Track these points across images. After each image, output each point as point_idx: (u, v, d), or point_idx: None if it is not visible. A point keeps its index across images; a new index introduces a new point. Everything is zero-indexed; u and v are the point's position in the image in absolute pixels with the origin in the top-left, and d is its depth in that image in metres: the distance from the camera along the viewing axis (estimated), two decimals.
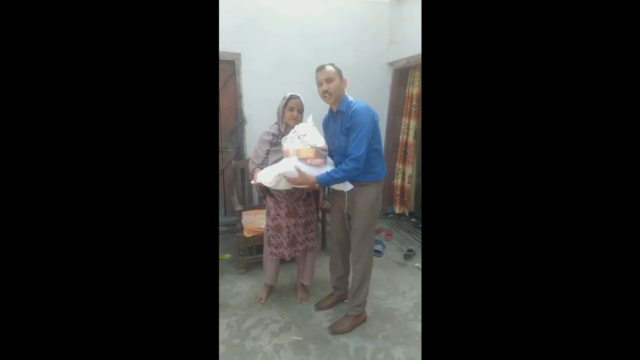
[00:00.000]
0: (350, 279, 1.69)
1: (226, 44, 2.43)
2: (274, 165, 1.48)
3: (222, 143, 2.64)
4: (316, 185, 1.43)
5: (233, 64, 2.51)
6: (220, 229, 2.68)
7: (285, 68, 2.59)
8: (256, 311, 1.75)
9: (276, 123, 1.63)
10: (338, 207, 1.63)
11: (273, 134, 1.63)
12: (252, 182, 1.56)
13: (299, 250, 1.75)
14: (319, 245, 1.83)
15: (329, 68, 1.42)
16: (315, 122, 1.52)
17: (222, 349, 1.49)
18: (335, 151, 1.55)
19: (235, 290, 1.94)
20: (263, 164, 1.62)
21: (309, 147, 1.44)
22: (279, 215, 1.69)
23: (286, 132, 1.59)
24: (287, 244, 1.72)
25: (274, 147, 1.62)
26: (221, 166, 2.66)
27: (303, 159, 1.45)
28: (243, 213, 2.09)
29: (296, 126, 1.51)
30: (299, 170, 1.42)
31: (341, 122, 1.45)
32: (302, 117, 1.61)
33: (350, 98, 1.46)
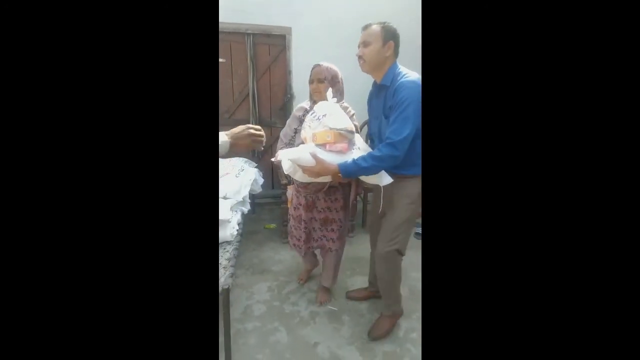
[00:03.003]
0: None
1: (277, 18, 2.43)
2: (288, 149, 1.23)
3: (272, 118, 2.72)
4: (339, 175, 1.13)
5: (284, 38, 2.52)
6: (267, 200, 2.83)
7: (335, 42, 2.53)
8: (296, 279, 1.87)
9: None
10: (374, 210, 1.40)
11: (305, 110, 1.43)
12: (274, 161, 1.28)
13: (312, 247, 1.59)
14: (341, 248, 1.60)
15: (372, 28, 1.14)
16: (358, 98, 1.43)
17: (262, 308, 1.63)
18: (374, 135, 1.31)
19: (278, 258, 2.08)
20: (290, 144, 1.44)
21: (328, 129, 1.15)
22: (300, 204, 1.51)
23: (312, 108, 1.37)
24: (304, 239, 1.55)
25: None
26: (270, 141, 2.77)
27: (321, 145, 1.16)
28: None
29: (316, 105, 1.25)
30: (315, 157, 1.12)
31: (384, 99, 1.18)
32: (332, 89, 1.30)
33: (401, 68, 1.17)
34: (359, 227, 2.45)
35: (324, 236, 1.55)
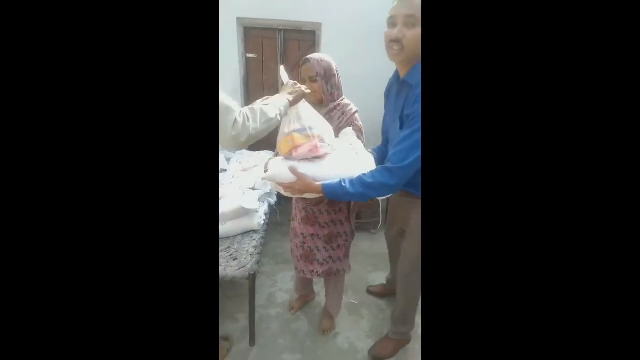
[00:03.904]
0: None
1: (308, 14, 2.46)
2: (269, 165, 1.08)
3: None
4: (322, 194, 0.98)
5: (314, 34, 2.55)
6: None
7: (365, 38, 2.52)
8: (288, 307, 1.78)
9: None
10: (390, 226, 1.33)
11: None
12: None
13: (317, 273, 1.30)
14: (348, 267, 1.37)
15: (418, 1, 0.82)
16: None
17: (285, 296, 1.69)
18: (385, 140, 1.18)
19: None
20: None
21: (284, 135, 0.99)
22: (296, 217, 1.31)
23: None
24: (300, 257, 1.32)
25: None
26: None
27: (289, 156, 1.01)
28: None
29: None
30: (294, 172, 0.97)
31: (404, 101, 0.95)
32: (329, 89, 1.16)
33: None
34: (382, 223, 2.45)
35: (330, 257, 1.29)
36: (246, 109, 0.90)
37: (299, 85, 1.05)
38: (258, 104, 0.95)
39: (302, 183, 0.97)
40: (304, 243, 1.29)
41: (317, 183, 0.97)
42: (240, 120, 0.85)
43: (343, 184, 0.95)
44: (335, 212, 1.24)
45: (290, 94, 1.01)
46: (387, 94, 1.14)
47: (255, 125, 0.87)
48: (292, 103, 1.00)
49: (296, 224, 1.31)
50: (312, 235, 1.26)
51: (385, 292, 1.69)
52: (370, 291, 1.73)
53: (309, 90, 1.07)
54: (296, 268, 1.38)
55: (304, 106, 1.04)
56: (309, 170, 0.99)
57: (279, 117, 0.94)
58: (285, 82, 1.06)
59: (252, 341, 1.40)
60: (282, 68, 1.11)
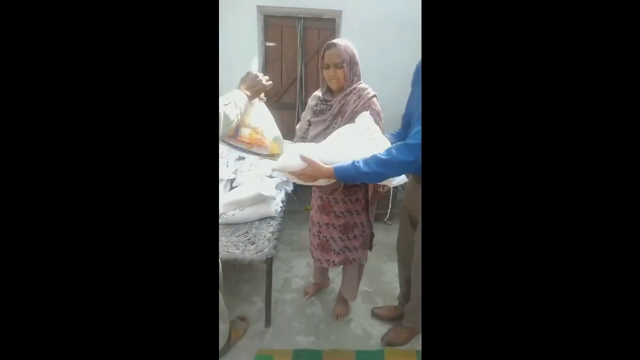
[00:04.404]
0: (410, 292, 1.32)
1: (328, 1, 2.43)
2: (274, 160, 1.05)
3: None
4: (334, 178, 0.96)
5: (334, 22, 2.52)
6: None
7: (386, 26, 2.47)
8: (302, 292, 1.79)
9: None
10: (403, 224, 1.26)
11: (318, 99, 1.22)
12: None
13: (333, 262, 1.31)
14: (365, 257, 1.37)
15: None
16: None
17: (300, 282, 1.73)
18: (405, 124, 1.17)
19: None
20: (303, 138, 1.22)
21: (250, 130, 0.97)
22: (313, 206, 1.32)
23: (327, 97, 1.19)
24: (317, 246, 1.33)
25: (316, 117, 1.20)
26: None
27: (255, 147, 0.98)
28: None
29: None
30: (304, 159, 0.96)
31: None
32: (351, 76, 1.13)
33: None
34: (397, 215, 2.44)
35: (346, 247, 1.29)
36: None
37: (260, 77, 1.00)
38: (221, 106, 0.90)
39: (312, 168, 0.95)
40: (320, 232, 1.30)
41: (328, 166, 0.95)
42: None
43: (356, 164, 0.92)
44: (352, 201, 1.22)
45: (248, 88, 0.98)
46: (415, 79, 1.11)
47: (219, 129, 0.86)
48: (251, 98, 0.98)
49: (313, 213, 1.32)
50: (328, 224, 1.26)
51: (394, 316, 1.48)
52: (376, 314, 1.52)
53: (270, 82, 1.02)
54: (313, 257, 1.39)
55: (258, 105, 1.03)
56: (323, 157, 0.98)
57: (238, 116, 0.92)
58: (254, 73, 1.02)
59: (268, 323, 1.45)
60: (255, 59, 1.08)
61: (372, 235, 1.35)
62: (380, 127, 1.12)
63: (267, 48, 2.62)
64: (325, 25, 2.55)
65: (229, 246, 1.40)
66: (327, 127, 1.16)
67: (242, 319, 1.45)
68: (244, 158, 2.17)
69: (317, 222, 1.30)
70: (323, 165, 0.96)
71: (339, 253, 1.29)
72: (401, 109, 1.23)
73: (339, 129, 1.09)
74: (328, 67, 1.13)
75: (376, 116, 1.14)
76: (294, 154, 0.98)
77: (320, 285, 1.64)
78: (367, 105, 1.15)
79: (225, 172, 1.88)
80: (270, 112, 1.07)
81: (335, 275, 1.69)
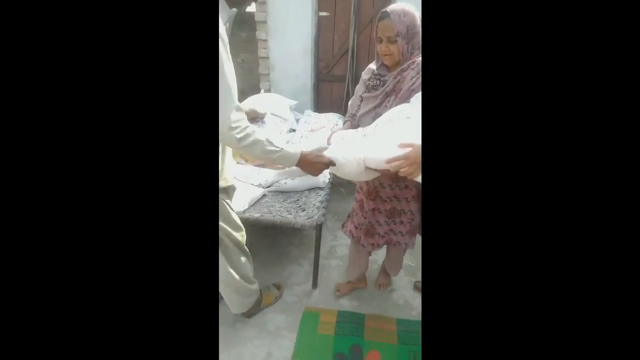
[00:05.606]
0: None
1: None
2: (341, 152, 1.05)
3: None
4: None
5: None
6: None
7: None
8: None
9: None
10: None
11: (372, 72, 1.11)
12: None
13: (378, 244, 1.29)
14: (413, 244, 1.30)
15: None
16: None
17: (344, 251, 1.80)
18: None
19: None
20: (354, 117, 1.15)
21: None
22: (361, 189, 1.27)
23: (382, 71, 1.08)
24: (362, 228, 1.29)
25: (368, 92, 1.10)
26: None
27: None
28: None
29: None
30: (405, 145, 0.88)
31: None
32: (409, 49, 0.99)
33: None
34: None
35: (392, 230, 1.26)
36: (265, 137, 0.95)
37: (323, 160, 1.08)
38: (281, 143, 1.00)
39: (416, 153, 0.84)
40: (365, 218, 1.25)
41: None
42: (252, 133, 0.90)
43: None
44: (400, 188, 1.17)
45: (304, 159, 1.06)
46: None
47: (260, 149, 0.94)
48: (299, 165, 1.07)
49: (361, 196, 1.27)
50: (374, 209, 1.22)
51: None
52: (418, 287, 1.57)
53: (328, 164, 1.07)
54: (357, 239, 1.32)
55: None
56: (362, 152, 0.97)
57: (273, 161, 1.03)
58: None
59: (315, 284, 1.55)
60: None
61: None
62: None
63: (319, 18, 2.58)
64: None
65: (282, 211, 1.49)
66: (378, 105, 1.06)
67: (278, 286, 1.52)
68: (294, 130, 2.24)
69: (364, 207, 1.25)
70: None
71: (384, 236, 1.27)
72: None
73: (389, 112, 0.98)
74: (381, 40, 1.00)
75: None
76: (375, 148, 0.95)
77: (354, 285, 1.54)
78: None
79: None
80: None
81: (369, 273, 1.68)
